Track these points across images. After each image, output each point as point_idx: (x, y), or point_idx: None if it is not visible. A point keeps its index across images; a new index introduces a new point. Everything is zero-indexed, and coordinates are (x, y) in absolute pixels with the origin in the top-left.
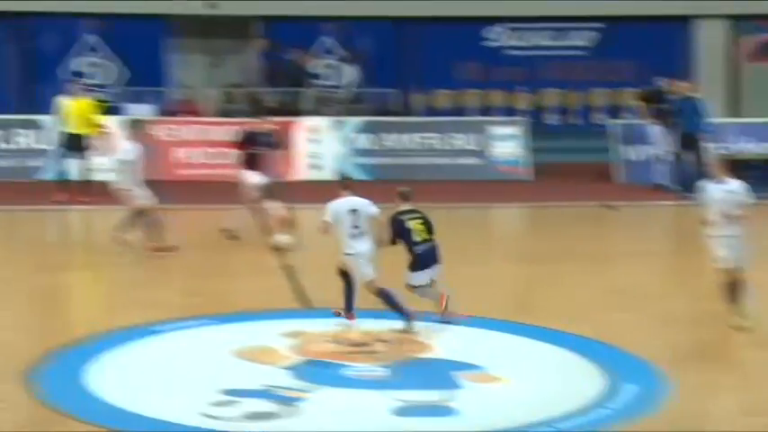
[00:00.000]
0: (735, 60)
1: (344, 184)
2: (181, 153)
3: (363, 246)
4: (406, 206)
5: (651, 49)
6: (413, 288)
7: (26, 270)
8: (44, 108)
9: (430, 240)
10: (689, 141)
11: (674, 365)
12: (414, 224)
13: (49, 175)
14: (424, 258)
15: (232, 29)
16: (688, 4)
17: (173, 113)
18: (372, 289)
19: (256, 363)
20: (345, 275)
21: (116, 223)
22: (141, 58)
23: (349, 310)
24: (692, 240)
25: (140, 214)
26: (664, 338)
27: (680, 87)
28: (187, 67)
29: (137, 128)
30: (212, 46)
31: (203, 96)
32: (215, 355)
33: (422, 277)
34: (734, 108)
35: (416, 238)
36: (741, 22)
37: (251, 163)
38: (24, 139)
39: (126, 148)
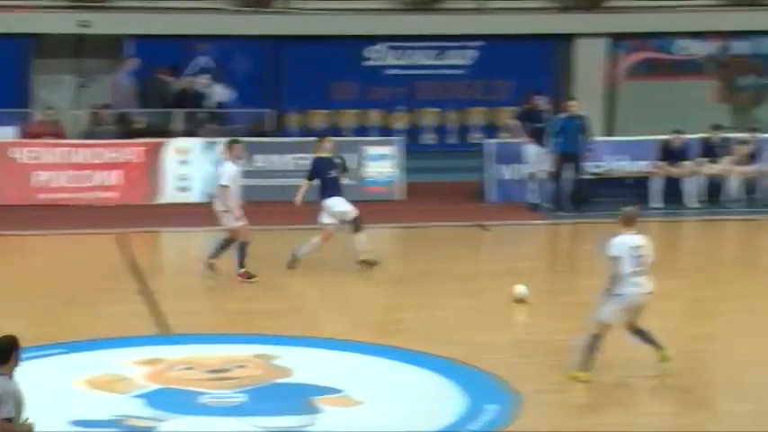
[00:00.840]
0: (611, 78)
1: None
2: (43, 176)
3: None
4: None
5: (529, 68)
6: None
7: None
8: None
9: None
10: (568, 160)
11: (533, 384)
12: None
13: None
14: None
15: (102, 48)
16: (566, 23)
17: (36, 135)
18: None
19: (107, 392)
20: None
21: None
22: (2, 77)
23: None
24: (562, 260)
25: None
26: (526, 358)
27: (568, 106)
28: (53, 88)
29: (233, 148)
30: (81, 66)
31: (69, 118)
32: (63, 386)
33: None
34: (609, 126)
35: None
36: (618, 41)
37: (331, 190)
38: None
39: (227, 171)
